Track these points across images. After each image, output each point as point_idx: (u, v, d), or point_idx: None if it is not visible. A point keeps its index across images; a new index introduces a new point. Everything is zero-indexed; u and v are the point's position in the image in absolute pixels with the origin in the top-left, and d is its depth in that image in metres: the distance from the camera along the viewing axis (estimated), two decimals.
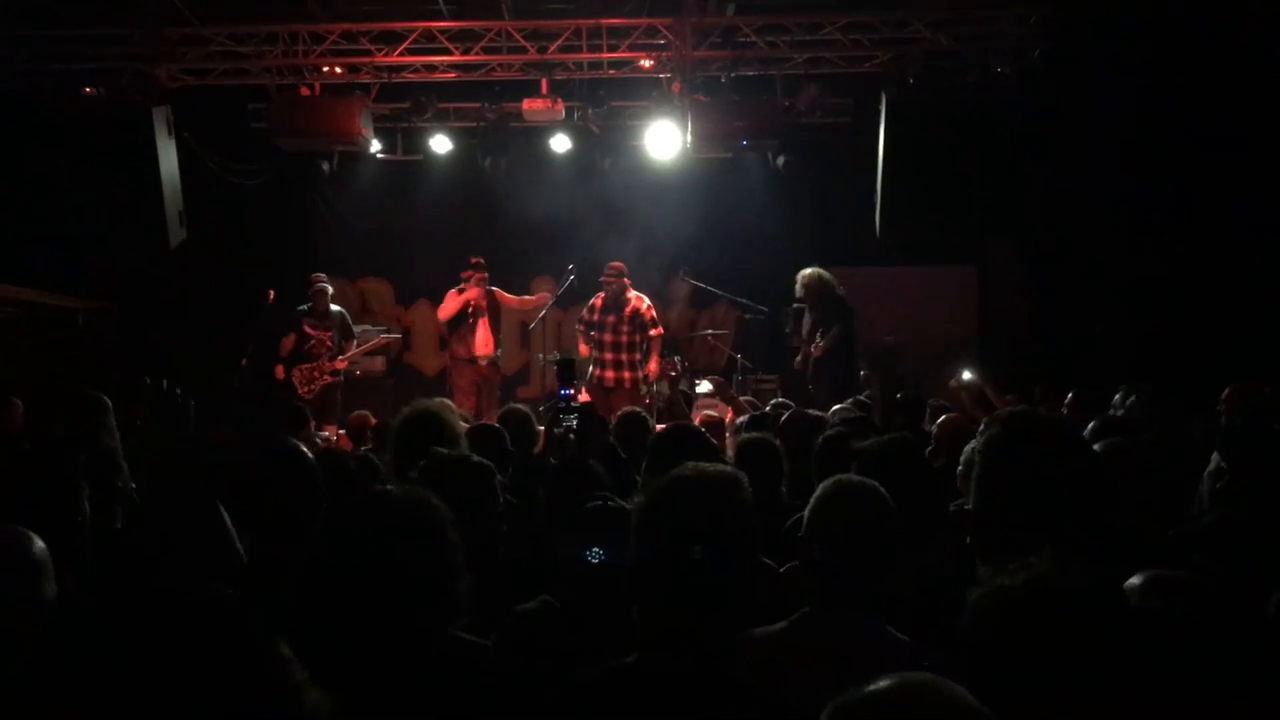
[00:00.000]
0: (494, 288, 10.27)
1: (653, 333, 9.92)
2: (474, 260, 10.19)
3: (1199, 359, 8.27)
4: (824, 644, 2.43)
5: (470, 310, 10.09)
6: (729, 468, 2.55)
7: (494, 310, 10.25)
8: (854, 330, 9.64)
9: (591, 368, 9.85)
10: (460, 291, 10.10)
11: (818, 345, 9.47)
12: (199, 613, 1.41)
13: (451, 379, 10.26)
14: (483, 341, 10.10)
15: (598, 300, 9.97)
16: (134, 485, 4.16)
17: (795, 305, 10.03)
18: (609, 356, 9.77)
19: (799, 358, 9.81)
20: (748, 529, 2.17)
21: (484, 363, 10.10)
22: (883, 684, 1.25)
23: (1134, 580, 2.19)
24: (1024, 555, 1.96)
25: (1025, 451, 2.27)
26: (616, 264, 9.99)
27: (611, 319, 9.83)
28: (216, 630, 1.39)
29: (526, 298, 10.86)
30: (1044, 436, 2.31)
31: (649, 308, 9.99)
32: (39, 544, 2.38)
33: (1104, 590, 1.72)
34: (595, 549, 2.71)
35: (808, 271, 9.67)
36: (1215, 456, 3.82)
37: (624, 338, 9.81)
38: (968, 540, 2.39)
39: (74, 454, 3.04)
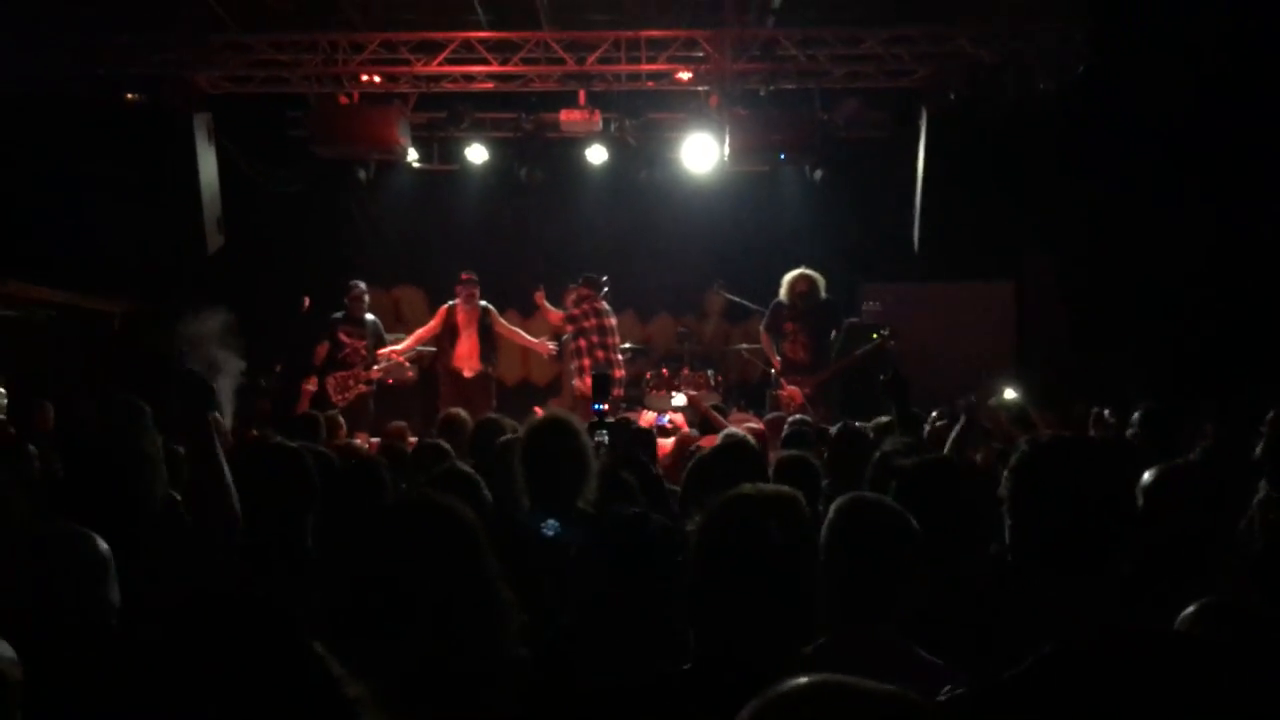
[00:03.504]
0: (488, 305, 10.00)
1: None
2: (465, 276, 9.97)
3: (1241, 377, 8.12)
4: (849, 665, 2.36)
5: (457, 324, 9.91)
6: (787, 488, 2.53)
7: (485, 325, 9.96)
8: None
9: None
10: (450, 308, 9.98)
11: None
12: (244, 614, 1.46)
13: (440, 390, 10.03)
14: (465, 354, 9.86)
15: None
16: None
17: (775, 303, 9.46)
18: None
19: (782, 365, 9.35)
20: (806, 550, 2.20)
21: (468, 375, 9.83)
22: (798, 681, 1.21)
23: (1188, 610, 2.12)
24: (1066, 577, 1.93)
25: (1057, 470, 2.19)
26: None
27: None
28: (262, 630, 1.44)
29: (525, 337, 10.37)
30: (1076, 455, 2.23)
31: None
32: (103, 545, 2.41)
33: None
34: (550, 521, 2.73)
35: (806, 273, 9.22)
36: (1263, 485, 3.66)
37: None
38: (1008, 558, 2.31)
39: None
